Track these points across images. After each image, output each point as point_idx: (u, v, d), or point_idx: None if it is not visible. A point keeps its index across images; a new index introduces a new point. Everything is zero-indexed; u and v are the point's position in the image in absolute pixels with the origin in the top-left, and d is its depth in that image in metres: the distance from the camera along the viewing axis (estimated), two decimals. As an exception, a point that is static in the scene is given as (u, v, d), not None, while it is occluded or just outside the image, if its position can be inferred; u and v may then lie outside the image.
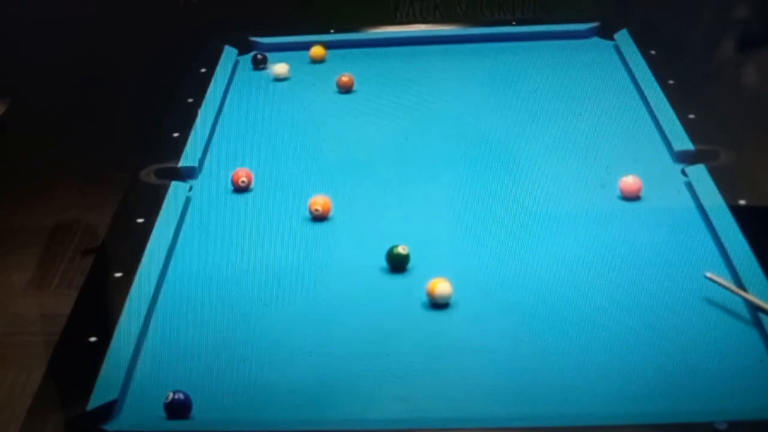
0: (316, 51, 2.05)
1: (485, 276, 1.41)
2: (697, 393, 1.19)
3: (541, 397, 1.21)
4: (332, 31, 2.19)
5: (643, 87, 1.88)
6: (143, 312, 1.34)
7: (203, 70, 2.02)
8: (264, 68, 2.08)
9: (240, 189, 1.65)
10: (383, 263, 1.43)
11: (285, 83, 2.01)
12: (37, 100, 2.23)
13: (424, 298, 1.36)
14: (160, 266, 1.44)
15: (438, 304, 1.35)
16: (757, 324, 1.29)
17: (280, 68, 1.97)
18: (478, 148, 1.76)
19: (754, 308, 1.27)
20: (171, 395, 1.18)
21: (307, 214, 1.57)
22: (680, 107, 1.78)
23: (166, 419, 1.18)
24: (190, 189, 1.65)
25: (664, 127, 1.75)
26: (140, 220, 1.54)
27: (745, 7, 2.09)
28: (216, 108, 1.89)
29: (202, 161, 1.73)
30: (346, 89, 1.95)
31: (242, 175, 1.66)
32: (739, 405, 1.17)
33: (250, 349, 1.30)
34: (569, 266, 1.43)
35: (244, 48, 2.12)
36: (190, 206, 1.61)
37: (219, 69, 2.02)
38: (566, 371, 1.25)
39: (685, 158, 1.67)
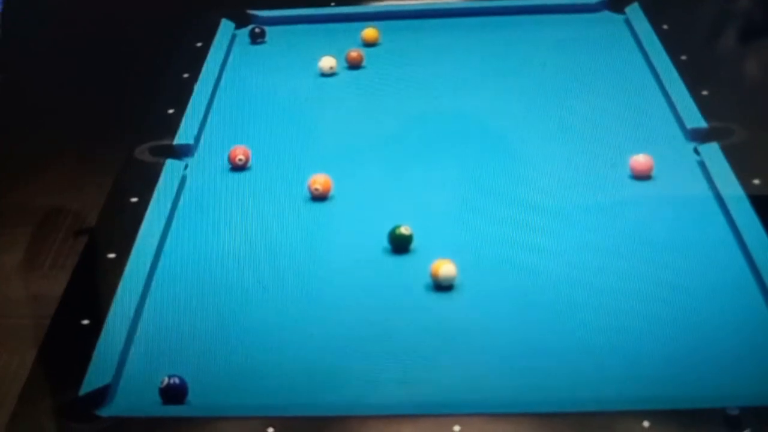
0: (369, 33, 1.95)
1: (491, 258, 1.38)
2: (709, 378, 1.17)
3: (547, 381, 1.18)
4: (333, 3, 2.14)
5: (654, 63, 1.84)
6: (137, 294, 1.31)
7: (199, 44, 1.97)
8: (262, 42, 2.03)
9: (237, 167, 1.62)
10: (385, 244, 1.40)
11: (285, 59, 1.96)
12: (28, 77, 2.18)
13: (428, 280, 1.33)
14: (155, 247, 1.40)
15: (442, 286, 1.32)
16: (771, 307, 1.26)
17: (327, 62, 1.84)
18: (484, 126, 1.72)
19: None
20: (166, 380, 1.15)
21: (307, 193, 1.53)
22: (693, 84, 1.74)
23: (162, 404, 1.15)
24: (186, 167, 1.62)
25: (676, 104, 1.71)
26: (134, 200, 1.50)
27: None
28: (212, 83, 1.85)
29: (198, 138, 1.69)
30: (355, 65, 1.90)
31: (239, 153, 1.62)
32: (751, 390, 1.14)
33: (247, 332, 1.27)
34: (577, 247, 1.40)
35: (241, 21, 2.08)
36: (185, 185, 1.57)
37: (215, 43, 1.98)
38: (573, 355, 1.22)
39: (697, 136, 1.63)
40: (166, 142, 1.66)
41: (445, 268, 1.32)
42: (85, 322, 1.26)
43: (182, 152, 1.65)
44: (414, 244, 1.39)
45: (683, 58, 1.83)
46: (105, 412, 1.13)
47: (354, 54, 1.92)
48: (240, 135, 1.70)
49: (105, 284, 1.32)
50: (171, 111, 1.75)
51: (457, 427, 1.09)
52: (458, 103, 1.80)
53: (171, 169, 1.59)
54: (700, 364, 1.19)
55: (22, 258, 1.82)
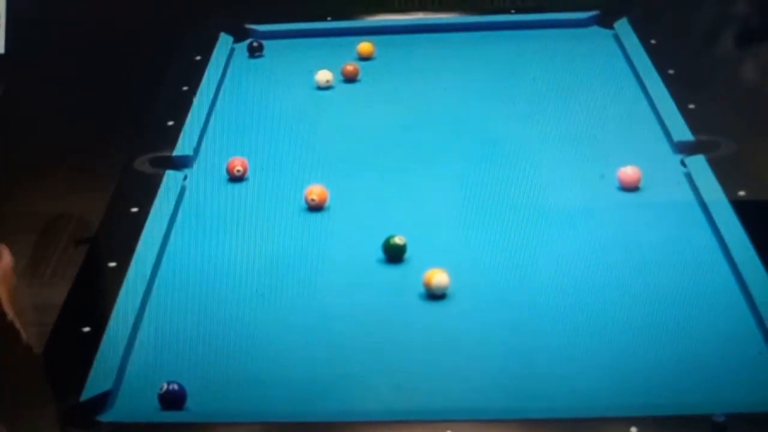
0: (365, 47, 1.98)
1: (483, 267, 1.40)
2: (695, 385, 1.19)
3: (537, 389, 1.20)
4: (329, 18, 2.17)
5: (642, 77, 1.87)
6: (137, 302, 1.33)
7: (198, 57, 2.00)
8: (260, 56, 2.06)
9: (235, 178, 1.64)
10: (380, 254, 1.42)
11: (283, 70, 1.99)
12: (29, 88, 2.20)
13: (421, 289, 1.35)
14: (155, 256, 1.42)
15: (435, 295, 1.34)
16: (756, 316, 1.29)
17: (323, 76, 1.87)
18: (477, 138, 1.74)
19: None
20: (165, 386, 1.17)
21: (303, 203, 1.55)
22: (680, 97, 1.77)
23: (161, 410, 1.17)
24: (185, 178, 1.64)
25: (663, 117, 1.74)
26: (134, 210, 1.53)
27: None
28: (211, 96, 1.88)
29: (197, 150, 1.71)
30: (350, 78, 1.93)
31: (237, 164, 1.64)
32: (737, 397, 1.16)
33: (245, 340, 1.29)
34: (567, 257, 1.42)
35: (239, 35, 2.10)
36: (184, 195, 1.60)
37: (214, 57, 2.00)
38: (563, 363, 1.24)
39: (684, 149, 1.66)
40: (165, 153, 1.69)
41: (438, 278, 1.34)
42: (86, 329, 1.27)
43: (181, 163, 1.67)
44: (408, 254, 1.42)
45: (671, 72, 1.86)
46: (106, 417, 1.15)
47: (350, 67, 1.95)
48: (238, 146, 1.72)
49: (106, 292, 1.34)
50: (170, 123, 1.77)
51: (449, 432, 1.11)
52: (452, 115, 1.83)
53: (170, 179, 1.61)
54: (687, 371, 1.21)
55: (24, 266, 1.83)
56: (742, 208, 1.46)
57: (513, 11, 2.19)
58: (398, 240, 1.42)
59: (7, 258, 1.13)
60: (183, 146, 1.71)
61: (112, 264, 1.40)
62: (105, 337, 1.26)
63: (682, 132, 1.69)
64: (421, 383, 1.20)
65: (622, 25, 2.05)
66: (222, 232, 1.50)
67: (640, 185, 1.58)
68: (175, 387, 1.17)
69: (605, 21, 2.09)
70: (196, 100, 1.85)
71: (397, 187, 1.61)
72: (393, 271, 1.40)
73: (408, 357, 1.25)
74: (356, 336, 1.28)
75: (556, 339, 1.28)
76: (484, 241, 1.45)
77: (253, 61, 2.05)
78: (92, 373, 1.20)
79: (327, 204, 1.56)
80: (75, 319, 1.30)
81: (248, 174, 1.65)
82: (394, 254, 1.42)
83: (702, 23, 2.12)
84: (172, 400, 1.17)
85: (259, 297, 1.36)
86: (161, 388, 1.17)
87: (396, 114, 1.84)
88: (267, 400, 1.19)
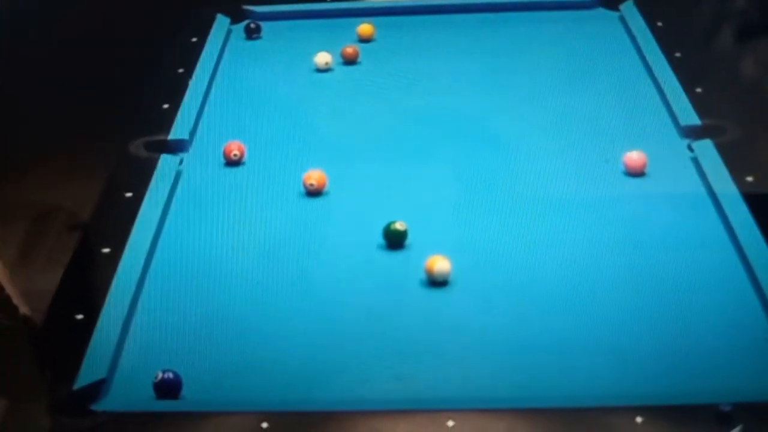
0: (365, 29, 1.95)
1: (485, 253, 1.38)
2: (702, 373, 1.17)
3: (540, 377, 1.18)
4: (328, -1, 2.14)
5: (649, 60, 1.84)
6: (132, 289, 1.31)
7: (194, 39, 1.97)
8: (257, 37, 2.03)
9: (232, 162, 1.62)
10: (380, 240, 1.40)
11: (282, 53, 1.96)
12: (22, 72, 2.17)
13: (423, 276, 1.33)
14: (149, 242, 1.40)
15: (436, 282, 1.32)
16: (763, 302, 1.27)
17: (322, 58, 1.84)
18: (479, 122, 1.72)
19: None
20: (160, 374, 1.15)
21: (302, 188, 1.53)
22: (687, 81, 1.75)
23: (156, 399, 1.15)
24: (181, 162, 1.62)
25: (670, 101, 1.72)
26: (129, 195, 1.50)
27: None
28: (207, 79, 1.85)
29: (192, 134, 1.69)
30: (350, 60, 1.90)
31: (234, 148, 1.62)
32: (744, 385, 1.15)
33: (241, 327, 1.27)
34: (571, 244, 1.40)
35: (236, 16, 2.07)
36: (180, 180, 1.57)
37: (210, 38, 1.98)
38: (567, 351, 1.22)
39: (691, 133, 1.63)
40: (160, 137, 1.66)
41: (440, 264, 1.32)
42: (80, 316, 1.25)
43: (177, 147, 1.65)
44: (409, 240, 1.39)
45: (677, 55, 1.83)
46: (99, 406, 1.13)
47: (349, 50, 1.92)
48: (235, 130, 1.70)
49: (99, 279, 1.32)
50: (166, 106, 1.75)
51: (451, 422, 1.09)
52: (453, 99, 1.80)
53: (165, 164, 1.59)
54: (693, 359, 1.19)
55: (17, 253, 1.81)
56: (749, 194, 1.44)
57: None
58: (399, 226, 1.39)
59: None
60: (178, 130, 1.69)
61: (106, 250, 1.38)
62: (98, 325, 1.24)
63: (689, 116, 1.66)
64: (423, 372, 1.19)
65: (628, 7, 2.02)
66: (218, 218, 1.48)
67: (646, 170, 1.55)
68: (171, 375, 1.15)
69: (610, 3, 2.06)
70: (192, 83, 1.82)
71: (398, 172, 1.59)
72: (394, 258, 1.38)
73: (409, 345, 1.23)
74: (356, 324, 1.27)
75: (560, 327, 1.26)
76: (486, 227, 1.43)
77: (250, 42, 2.02)
78: (85, 361, 1.18)
79: (326, 189, 1.53)
80: (68, 307, 1.28)
81: (245, 158, 1.62)
82: (395, 240, 1.39)
83: (709, 5, 2.08)
84: (168, 388, 1.15)
85: (257, 284, 1.34)
86: (156, 377, 1.15)
87: (397, 97, 1.82)
88: (264, 388, 1.17)
